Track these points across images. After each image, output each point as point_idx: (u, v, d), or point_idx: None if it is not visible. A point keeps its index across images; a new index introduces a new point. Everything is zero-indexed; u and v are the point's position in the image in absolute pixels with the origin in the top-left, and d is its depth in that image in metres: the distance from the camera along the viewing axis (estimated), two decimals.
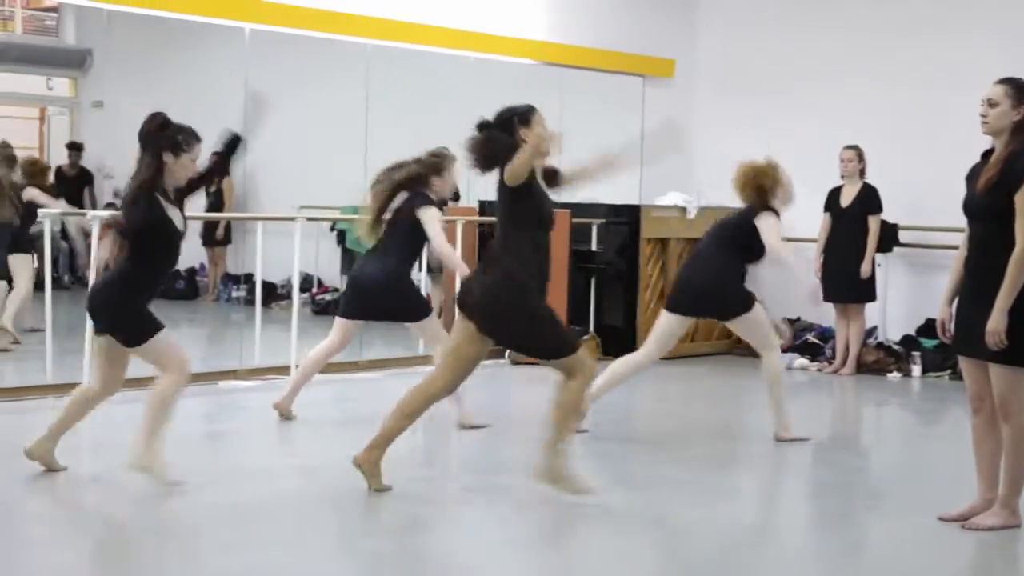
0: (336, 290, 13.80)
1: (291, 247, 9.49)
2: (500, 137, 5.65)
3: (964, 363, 5.57)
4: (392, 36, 10.60)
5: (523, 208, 5.64)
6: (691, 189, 11.70)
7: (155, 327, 5.82)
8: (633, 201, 11.58)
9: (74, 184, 16.15)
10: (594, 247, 11.05)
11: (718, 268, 7.39)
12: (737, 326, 7.54)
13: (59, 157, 16.90)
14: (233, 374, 9.10)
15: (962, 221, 5.56)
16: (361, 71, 13.16)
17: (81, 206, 15.39)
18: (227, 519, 5.44)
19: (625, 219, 11.00)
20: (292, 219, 9.85)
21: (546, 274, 5.70)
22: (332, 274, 13.83)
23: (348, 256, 14.04)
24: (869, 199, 10.43)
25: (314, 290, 12.91)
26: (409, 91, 13.04)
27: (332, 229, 13.87)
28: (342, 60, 12.44)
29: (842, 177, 10.56)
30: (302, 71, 13.52)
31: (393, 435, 5.77)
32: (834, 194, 10.61)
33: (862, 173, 10.52)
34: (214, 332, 12.96)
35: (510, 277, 5.56)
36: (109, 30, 16.03)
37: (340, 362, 8.52)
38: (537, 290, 5.63)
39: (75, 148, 16.44)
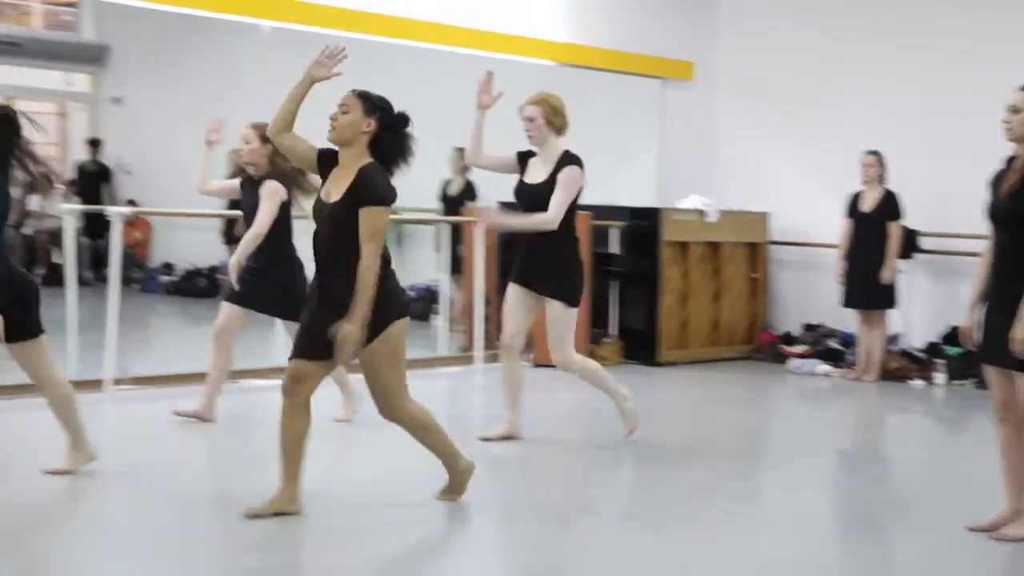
0: None
1: (311, 246, 9.43)
2: None
3: (990, 372, 5.52)
4: (414, 36, 10.56)
5: None
6: (711, 192, 11.66)
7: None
8: (652, 204, 11.54)
9: (93, 180, 16.19)
10: (615, 250, 11.01)
11: None
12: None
13: (79, 153, 16.96)
14: (256, 372, 9.06)
15: (985, 227, 5.52)
16: (382, 70, 13.13)
17: (99, 202, 15.42)
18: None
19: (646, 222, 10.96)
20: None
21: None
22: None
23: None
24: (889, 205, 10.36)
25: None
26: (431, 91, 13.02)
27: None
28: (364, 59, 12.41)
29: (863, 182, 10.50)
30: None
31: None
32: (855, 199, 10.55)
33: (882, 179, 10.45)
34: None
35: None
36: (128, 25, 16.05)
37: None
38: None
39: (94, 144, 16.47)
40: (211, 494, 5.90)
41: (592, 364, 7.20)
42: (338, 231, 5.23)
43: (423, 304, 12.80)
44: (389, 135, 5.32)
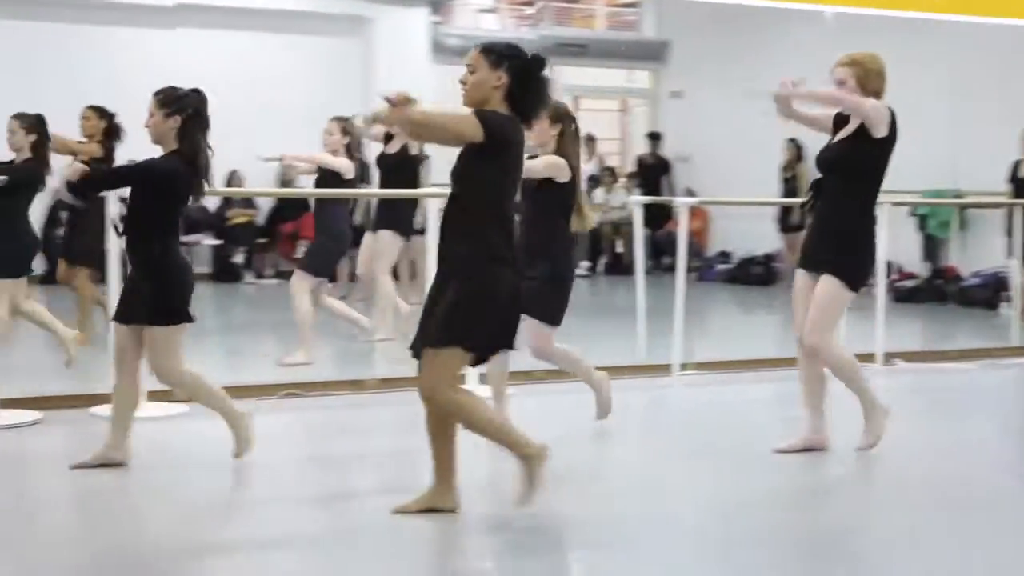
0: (914, 276, 13.44)
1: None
2: None
3: None
4: (974, 11, 10.09)
5: None
6: None
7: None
8: None
9: (652, 172, 16.79)
10: None
11: None
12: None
13: (639, 147, 17.64)
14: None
15: None
16: (938, 48, 12.67)
17: (659, 193, 15.96)
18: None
19: None
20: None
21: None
22: (912, 260, 13.47)
23: (930, 242, 13.64)
24: None
25: (894, 276, 12.59)
26: (990, 67, 12.45)
27: (913, 214, 13.51)
28: (923, 39, 12.08)
29: None
30: (893, 52, 13.22)
31: None
32: None
33: None
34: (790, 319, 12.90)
35: None
36: (687, 20, 16.49)
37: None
38: None
39: (654, 138, 17.06)
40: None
41: (849, 358, 6.10)
42: (462, 188, 4.78)
43: (989, 291, 12.26)
44: (522, 85, 4.78)
